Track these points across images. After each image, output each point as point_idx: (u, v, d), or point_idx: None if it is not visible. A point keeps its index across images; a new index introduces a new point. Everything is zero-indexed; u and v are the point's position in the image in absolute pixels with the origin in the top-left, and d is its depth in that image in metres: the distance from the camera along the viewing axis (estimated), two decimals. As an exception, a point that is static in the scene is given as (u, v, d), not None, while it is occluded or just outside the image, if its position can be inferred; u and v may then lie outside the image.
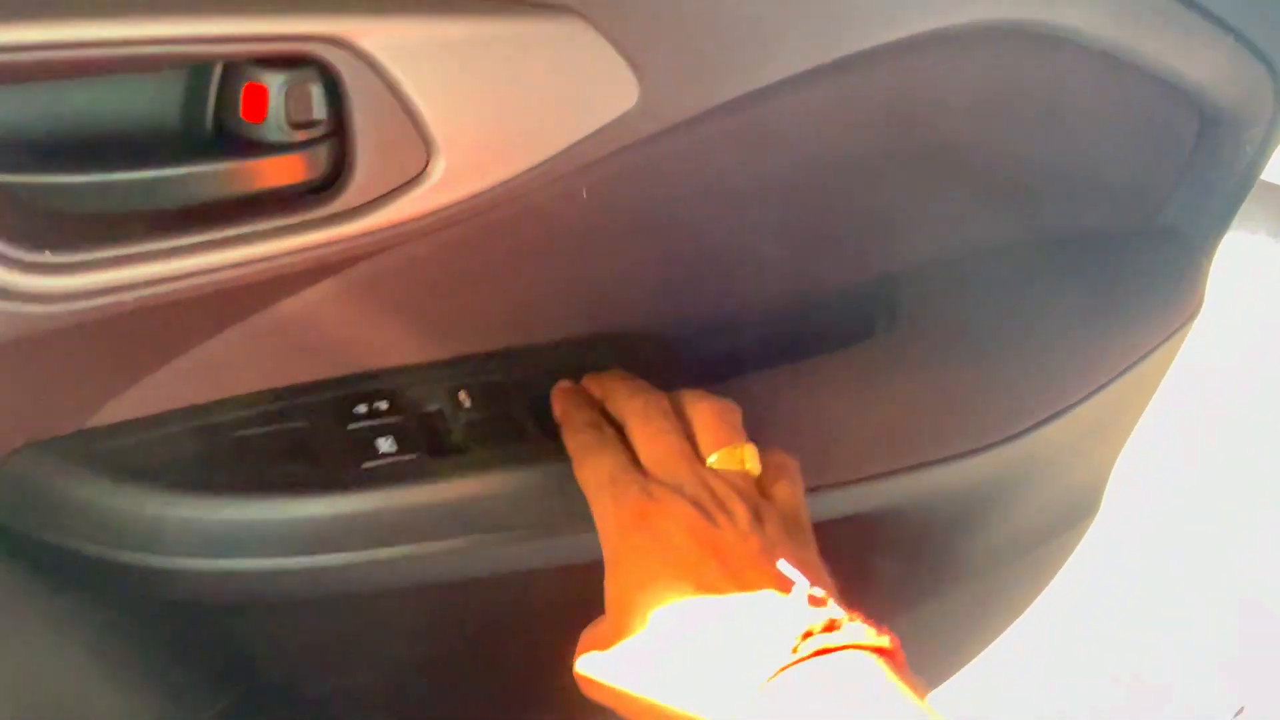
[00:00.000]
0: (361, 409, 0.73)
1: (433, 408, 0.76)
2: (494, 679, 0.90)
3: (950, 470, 0.85)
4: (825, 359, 0.80)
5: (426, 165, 0.56)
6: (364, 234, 0.59)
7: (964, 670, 1.28)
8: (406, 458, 0.72)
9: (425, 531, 0.71)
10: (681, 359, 0.78)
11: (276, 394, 0.72)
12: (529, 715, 0.90)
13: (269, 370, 0.71)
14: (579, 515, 0.64)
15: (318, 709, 0.91)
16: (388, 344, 0.74)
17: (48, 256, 0.48)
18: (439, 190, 0.58)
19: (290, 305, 0.67)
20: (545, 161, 0.58)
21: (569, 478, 0.66)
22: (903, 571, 1.00)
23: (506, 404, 0.76)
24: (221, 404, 0.70)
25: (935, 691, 1.01)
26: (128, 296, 0.55)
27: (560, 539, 0.73)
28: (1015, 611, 1.27)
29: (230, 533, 0.67)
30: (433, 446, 0.73)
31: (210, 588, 0.70)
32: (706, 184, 0.70)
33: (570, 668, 0.61)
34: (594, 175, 0.62)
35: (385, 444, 0.72)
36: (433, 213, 0.60)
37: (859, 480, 0.80)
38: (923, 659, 0.79)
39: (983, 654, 1.28)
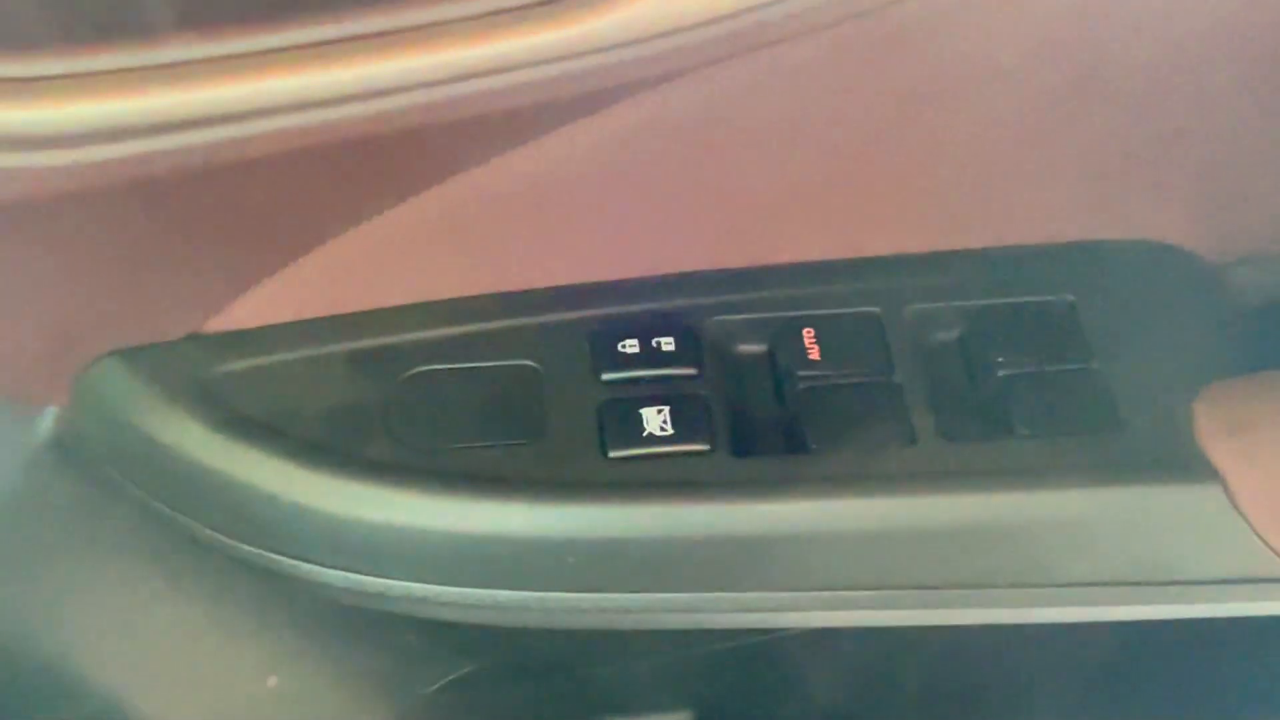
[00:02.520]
0: (630, 346, 0.41)
1: (751, 352, 0.43)
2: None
3: None
4: None
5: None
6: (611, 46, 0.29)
7: None
8: (690, 450, 0.39)
9: (703, 578, 0.40)
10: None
11: (480, 307, 0.42)
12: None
13: (468, 269, 0.41)
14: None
15: (553, 687, 0.67)
16: (671, 231, 0.42)
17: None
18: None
19: (500, 168, 0.37)
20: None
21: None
22: None
23: (887, 361, 0.42)
24: (387, 318, 0.41)
25: None
26: (160, 144, 0.31)
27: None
28: None
29: (379, 542, 0.40)
30: (740, 433, 0.40)
31: (354, 600, 0.42)
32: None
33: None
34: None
35: (656, 419, 0.40)
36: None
37: None
38: None
39: None
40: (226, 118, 0.30)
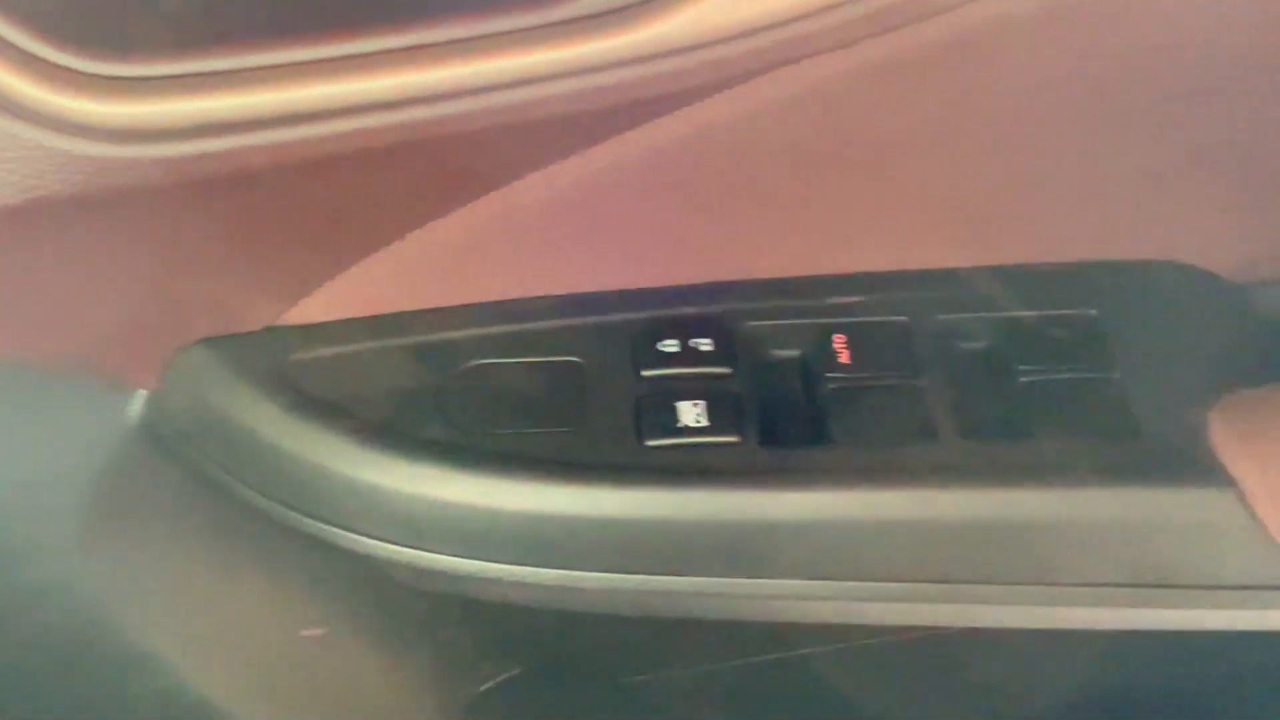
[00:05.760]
0: (670, 345, 0.44)
1: (783, 355, 0.45)
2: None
3: None
4: None
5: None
6: (655, 55, 0.33)
7: None
8: (723, 441, 0.42)
9: (731, 563, 0.42)
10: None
11: (531, 308, 0.45)
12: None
13: (524, 272, 0.44)
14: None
15: (597, 694, 0.70)
16: (710, 242, 0.45)
17: (125, 68, 0.33)
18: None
19: (553, 178, 0.40)
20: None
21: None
22: None
23: (913, 366, 0.44)
24: (446, 315, 0.45)
25: None
26: (255, 139, 0.35)
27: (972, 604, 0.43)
28: None
29: (435, 518, 0.43)
30: (770, 427, 0.43)
31: (411, 579, 0.45)
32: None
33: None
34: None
35: (691, 412, 0.43)
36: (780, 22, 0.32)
37: None
38: None
39: None
40: (310, 116, 0.34)
